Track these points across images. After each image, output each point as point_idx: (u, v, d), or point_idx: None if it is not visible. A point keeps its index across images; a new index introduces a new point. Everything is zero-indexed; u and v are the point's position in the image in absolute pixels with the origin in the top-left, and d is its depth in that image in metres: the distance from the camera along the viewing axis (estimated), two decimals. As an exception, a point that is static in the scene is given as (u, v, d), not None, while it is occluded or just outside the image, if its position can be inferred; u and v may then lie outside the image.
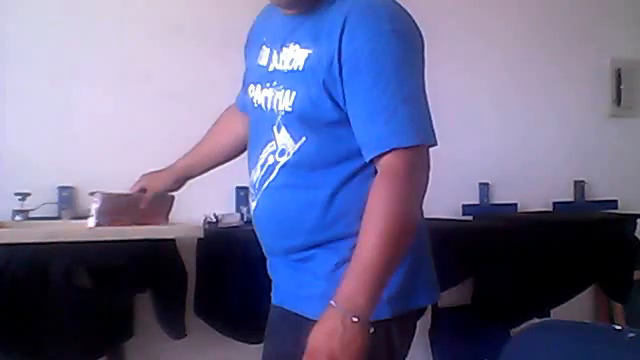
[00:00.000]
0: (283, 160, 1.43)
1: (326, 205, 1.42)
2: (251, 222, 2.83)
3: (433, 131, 1.37)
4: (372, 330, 1.32)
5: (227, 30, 2.94)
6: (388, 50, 1.35)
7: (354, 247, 1.37)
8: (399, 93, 1.34)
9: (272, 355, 1.60)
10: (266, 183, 1.47)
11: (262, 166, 1.48)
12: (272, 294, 1.59)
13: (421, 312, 1.57)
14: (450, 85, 3.24)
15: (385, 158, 1.33)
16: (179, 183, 1.89)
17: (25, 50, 2.76)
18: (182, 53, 2.95)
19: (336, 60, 1.35)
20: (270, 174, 1.46)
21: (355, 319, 1.26)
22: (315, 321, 1.38)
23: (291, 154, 1.43)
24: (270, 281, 1.60)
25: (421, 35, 1.42)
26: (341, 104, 1.37)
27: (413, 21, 1.41)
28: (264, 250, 1.58)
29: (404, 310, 1.44)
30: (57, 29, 2.80)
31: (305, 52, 1.41)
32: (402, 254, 1.34)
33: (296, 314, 1.47)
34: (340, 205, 1.42)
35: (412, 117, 1.35)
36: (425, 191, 1.37)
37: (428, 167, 1.36)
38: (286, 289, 1.54)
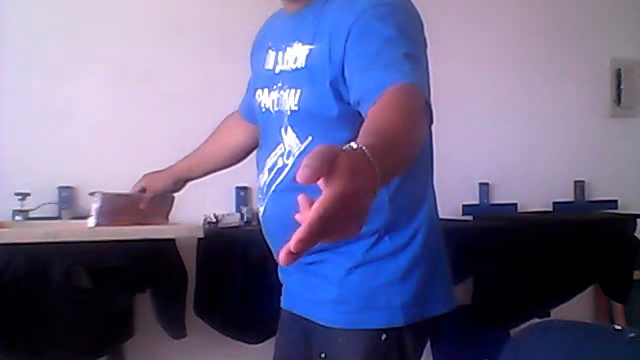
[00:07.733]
0: (290, 162, 1.41)
1: None
2: (251, 222, 2.88)
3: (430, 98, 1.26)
4: (384, 337, 1.31)
5: (227, 30, 2.94)
6: (389, 17, 1.30)
7: (366, 251, 1.36)
8: (401, 49, 1.26)
9: (283, 359, 1.59)
10: (273, 186, 1.45)
11: (270, 169, 1.46)
12: (282, 298, 1.58)
13: (436, 320, 1.46)
14: (450, 85, 3.23)
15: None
16: (179, 184, 1.90)
17: (24, 50, 2.76)
18: (182, 53, 2.95)
19: (342, 57, 1.31)
20: (278, 177, 1.44)
21: (379, 180, 0.90)
22: (325, 326, 1.36)
23: (296, 155, 1.39)
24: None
25: (422, 22, 1.38)
26: (346, 98, 1.32)
27: (416, 10, 1.38)
28: (275, 255, 1.54)
29: (418, 318, 1.41)
30: (57, 29, 2.80)
31: (306, 48, 1.39)
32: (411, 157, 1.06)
33: (306, 319, 1.46)
34: None
35: (413, 71, 1.24)
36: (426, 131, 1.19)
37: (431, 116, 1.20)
38: (297, 293, 1.52)
